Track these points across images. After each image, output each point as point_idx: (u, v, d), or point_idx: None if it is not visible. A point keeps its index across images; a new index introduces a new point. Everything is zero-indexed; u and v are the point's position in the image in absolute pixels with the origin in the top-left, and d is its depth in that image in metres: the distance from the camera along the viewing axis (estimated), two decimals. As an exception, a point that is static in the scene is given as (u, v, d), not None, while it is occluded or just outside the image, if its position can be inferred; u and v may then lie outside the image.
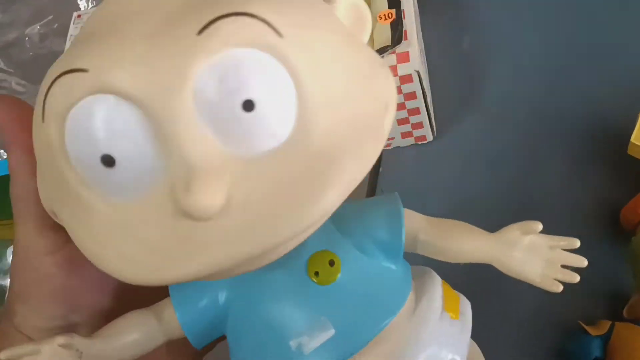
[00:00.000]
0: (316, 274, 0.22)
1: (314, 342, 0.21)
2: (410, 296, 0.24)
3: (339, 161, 0.19)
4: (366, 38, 0.23)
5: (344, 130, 0.19)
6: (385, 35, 0.56)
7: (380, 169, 0.64)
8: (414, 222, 0.26)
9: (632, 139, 0.54)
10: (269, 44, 0.19)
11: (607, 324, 0.49)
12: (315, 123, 0.19)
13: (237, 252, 0.18)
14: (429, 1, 0.69)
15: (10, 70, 0.69)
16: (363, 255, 0.23)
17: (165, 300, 0.25)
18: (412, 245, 0.26)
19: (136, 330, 0.24)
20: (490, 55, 0.68)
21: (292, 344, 0.21)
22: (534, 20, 0.69)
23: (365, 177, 0.56)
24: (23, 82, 0.68)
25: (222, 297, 0.23)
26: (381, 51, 0.55)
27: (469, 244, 0.25)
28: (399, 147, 0.64)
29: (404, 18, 0.57)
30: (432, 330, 0.22)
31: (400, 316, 0.22)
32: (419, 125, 0.60)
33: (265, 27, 0.19)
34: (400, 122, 0.60)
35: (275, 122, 0.19)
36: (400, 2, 0.58)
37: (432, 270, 0.27)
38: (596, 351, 0.48)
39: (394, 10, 0.57)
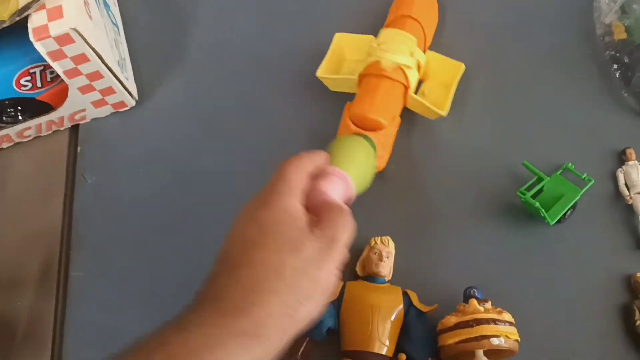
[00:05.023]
0: None
1: None
2: None
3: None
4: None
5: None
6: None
7: (79, 149, 0.53)
8: None
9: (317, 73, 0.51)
10: None
11: (338, 286, 0.44)
12: None
13: None
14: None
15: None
16: None
17: None
18: None
19: None
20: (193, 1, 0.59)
21: None
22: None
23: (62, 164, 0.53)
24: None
25: None
26: (24, 10, 0.44)
27: None
28: (97, 118, 0.53)
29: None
30: None
31: None
32: (110, 90, 0.50)
33: None
34: (83, 89, 0.49)
35: None
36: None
37: None
38: (329, 321, 0.43)
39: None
